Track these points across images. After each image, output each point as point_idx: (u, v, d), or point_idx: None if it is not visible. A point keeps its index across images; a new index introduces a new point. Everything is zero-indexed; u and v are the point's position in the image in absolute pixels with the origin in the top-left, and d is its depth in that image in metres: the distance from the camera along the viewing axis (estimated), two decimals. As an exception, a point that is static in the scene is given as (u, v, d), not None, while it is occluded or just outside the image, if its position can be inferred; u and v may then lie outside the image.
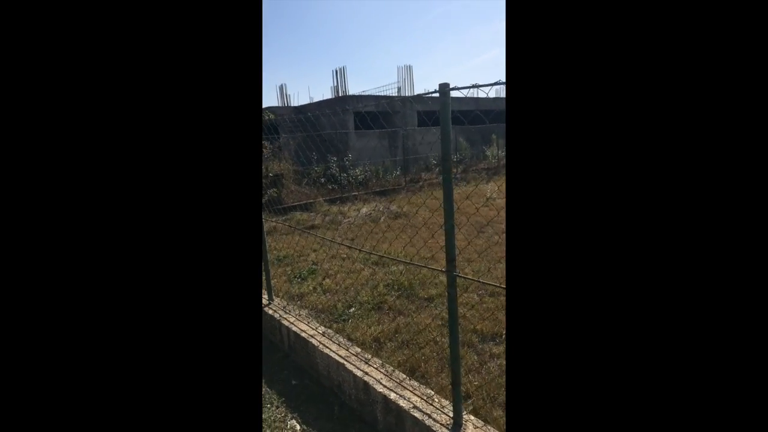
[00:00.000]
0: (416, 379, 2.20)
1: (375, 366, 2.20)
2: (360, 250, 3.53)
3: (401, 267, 4.37)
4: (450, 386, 1.81)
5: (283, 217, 7.38)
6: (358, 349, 2.40)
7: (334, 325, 3.17)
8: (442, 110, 1.45)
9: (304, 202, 8.35)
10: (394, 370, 2.15)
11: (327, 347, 2.43)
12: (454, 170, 12.32)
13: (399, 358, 2.63)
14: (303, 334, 2.62)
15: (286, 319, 2.86)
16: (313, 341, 2.52)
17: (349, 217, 7.53)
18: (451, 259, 1.62)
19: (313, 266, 4.72)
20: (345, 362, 2.25)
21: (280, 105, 13.36)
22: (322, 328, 2.70)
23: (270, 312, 3.01)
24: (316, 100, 12.53)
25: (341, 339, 2.53)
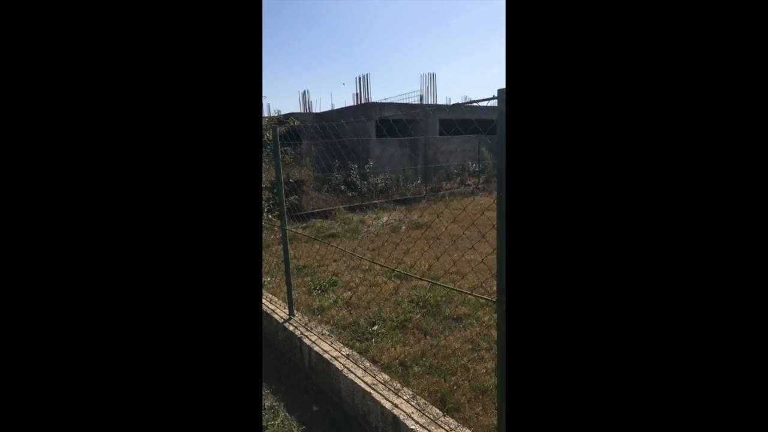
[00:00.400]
0: (449, 413, 2.00)
1: (405, 398, 2.00)
2: (382, 266, 3.36)
3: (426, 281, 4.17)
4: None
5: (303, 224, 7.27)
6: (386, 377, 2.21)
7: (357, 344, 2.99)
8: (499, 118, 1.28)
9: (324, 209, 8.24)
10: (426, 405, 1.96)
11: (352, 371, 2.26)
12: (475, 180, 12.13)
13: (428, 386, 2.43)
14: (326, 356, 2.45)
15: (307, 337, 2.70)
16: (337, 364, 2.35)
17: (369, 226, 7.38)
18: (501, 289, 1.43)
19: (334, 278, 4.56)
20: (372, 391, 2.07)
21: (302, 111, 13.40)
22: (346, 349, 2.53)
23: (290, 328, 2.85)
24: (337, 107, 12.52)
25: (366, 363, 2.35)
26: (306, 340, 2.67)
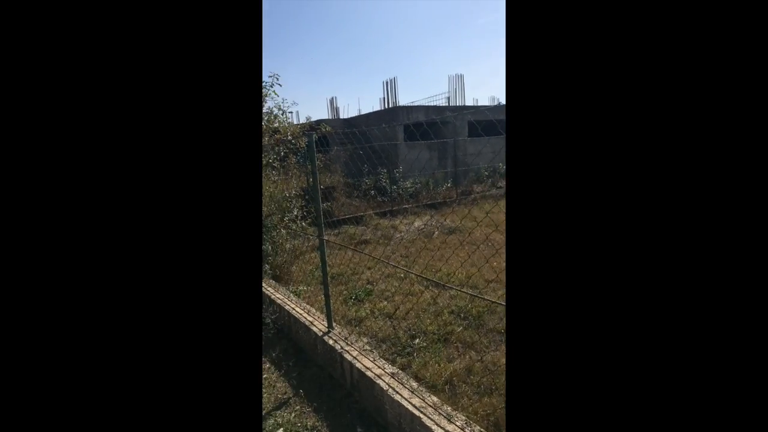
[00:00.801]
0: (507, 442, 1.83)
1: (458, 424, 1.85)
2: (417, 275, 3.22)
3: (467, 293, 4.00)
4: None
5: (335, 231, 7.23)
6: (436, 399, 2.06)
7: (399, 359, 2.86)
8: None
9: (355, 215, 8.18)
10: (483, 433, 1.80)
11: (398, 392, 2.12)
12: (500, 183, 11.77)
13: (480, 408, 2.27)
14: (369, 373, 2.33)
15: (348, 352, 2.59)
16: (381, 383, 2.22)
17: (401, 232, 7.25)
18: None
19: (369, 286, 4.46)
20: (421, 415, 1.93)
21: (330, 117, 13.46)
22: (390, 367, 2.40)
23: (330, 342, 2.75)
24: (364, 112, 12.49)
25: (413, 383, 2.21)
26: (347, 356, 2.56)
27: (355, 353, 2.58)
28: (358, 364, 2.45)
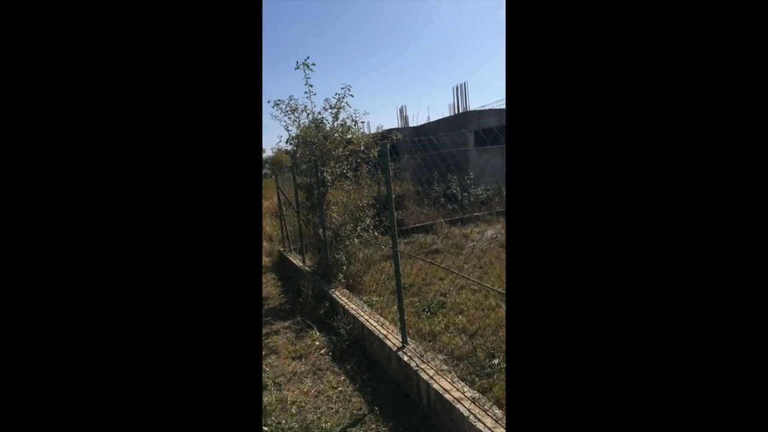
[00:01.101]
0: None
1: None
2: (491, 289, 3.01)
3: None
4: None
5: (405, 240, 7.18)
6: (524, 432, 1.87)
7: (478, 380, 2.68)
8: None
9: (425, 223, 8.07)
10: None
11: (480, 420, 1.97)
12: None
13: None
14: (447, 396, 2.20)
15: (424, 370, 2.48)
16: (461, 408, 2.08)
17: (473, 241, 6.98)
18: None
19: (442, 299, 4.31)
20: (508, 449, 1.75)
21: (400, 126, 13.55)
22: (470, 390, 2.24)
23: (405, 359, 2.66)
24: (433, 119, 12.35)
25: (496, 411, 2.03)
26: (423, 374, 2.45)
27: (431, 372, 2.46)
28: (435, 385, 2.33)
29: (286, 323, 4.32)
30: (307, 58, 4.63)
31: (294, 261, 5.94)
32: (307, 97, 4.87)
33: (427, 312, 3.97)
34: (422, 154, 10.01)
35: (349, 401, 2.72)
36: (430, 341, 3.31)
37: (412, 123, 13.74)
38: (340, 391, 2.86)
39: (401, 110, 16.46)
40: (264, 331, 4.20)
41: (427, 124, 12.64)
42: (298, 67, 4.66)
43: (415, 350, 2.76)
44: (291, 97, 4.99)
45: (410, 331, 3.25)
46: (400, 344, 2.86)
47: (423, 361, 2.60)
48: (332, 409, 2.67)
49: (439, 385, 2.31)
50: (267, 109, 5.96)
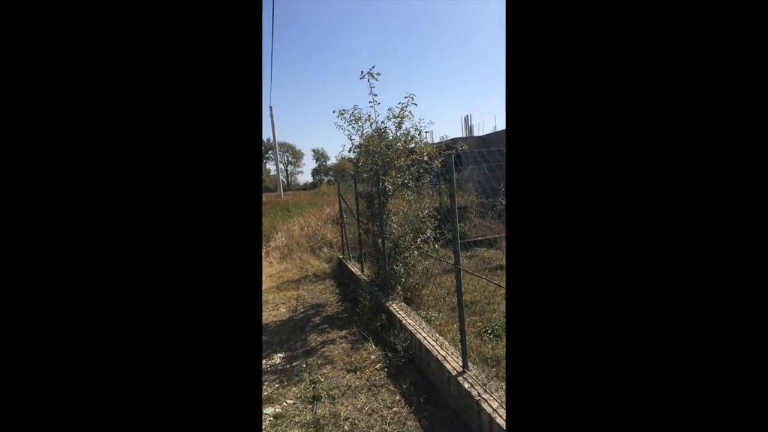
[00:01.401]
0: None
1: None
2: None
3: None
4: None
5: (468, 253, 6.88)
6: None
7: (548, 418, 2.39)
8: None
9: (489, 237, 7.70)
10: None
11: (553, 470, 1.71)
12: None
13: None
14: (513, 435, 1.95)
15: (487, 401, 2.26)
16: (530, 452, 1.83)
17: (541, 258, 6.49)
18: None
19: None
20: None
21: (464, 135, 13.24)
22: None
23: (465, 386, 2.45)
24: (500, 128, 11.86)
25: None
26: (485, 406, 2.23)
27: (495, 404, 2.23)
28: (499, 420, 2.10)
29: (342, 332, 4.28)
30: (372, 67, 4.63)
31: (352, 269, 5.93)
32: (371, 107, 4.84)
33: (490, 334, 3.69)
34: (487, 165, 9.63)
35: (404, 424, 2.56)
36: (493, 367, 3.05)
37: (478, 132, 13.35)
38: (395, 412, 2.72)
39: (466, 119, 16.08)
40: (321, 339, 4.19)
41: (493, 133, 12.19)
42: (363, 77, 4.67)
43: (477, 377, 2.54)
44: (355, 107, 5.02)
45: (471, 353, 3.02)
46: (461, 369, 2.65)
47: (486, 390, 2.37)
48: (386, 430, 2.54)
49: (504, 420, 2.07)
50: (331, 119, 6.09)
